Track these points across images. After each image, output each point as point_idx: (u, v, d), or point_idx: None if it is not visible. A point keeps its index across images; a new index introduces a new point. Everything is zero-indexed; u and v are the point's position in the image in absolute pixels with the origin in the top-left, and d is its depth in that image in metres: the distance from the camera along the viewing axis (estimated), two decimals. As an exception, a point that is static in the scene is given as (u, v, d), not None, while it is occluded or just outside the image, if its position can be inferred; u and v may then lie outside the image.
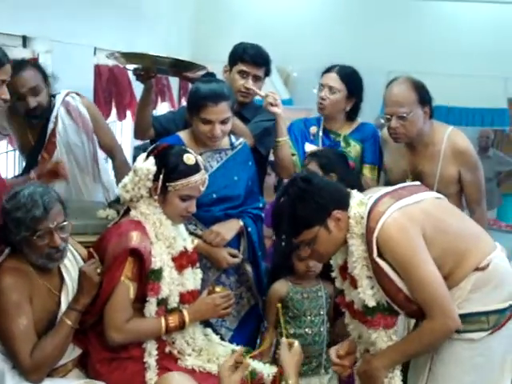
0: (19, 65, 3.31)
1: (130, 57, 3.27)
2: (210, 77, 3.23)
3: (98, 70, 5.09)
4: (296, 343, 2.44)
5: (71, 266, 2.60)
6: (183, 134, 3.13)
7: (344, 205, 2.41)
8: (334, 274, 2.58)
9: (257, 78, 3.42)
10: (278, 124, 3.37)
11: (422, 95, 3.13)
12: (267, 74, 3.50)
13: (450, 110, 7.60)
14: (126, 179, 2.64)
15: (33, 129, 3.48)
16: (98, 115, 3.70)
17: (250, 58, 3.39)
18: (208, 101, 2.93)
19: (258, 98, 3.56)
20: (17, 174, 4.07)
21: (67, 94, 3.54)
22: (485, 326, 2.35)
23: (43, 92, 3.36)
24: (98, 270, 2.48)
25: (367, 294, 2.37)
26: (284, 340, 2.49)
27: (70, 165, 3.53)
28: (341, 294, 2.57)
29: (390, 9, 8.98)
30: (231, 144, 3.15)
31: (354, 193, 2.47)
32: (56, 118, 3.46)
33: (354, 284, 2.41)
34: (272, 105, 3.34)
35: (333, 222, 2.38)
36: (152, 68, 3.21)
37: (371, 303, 2.37)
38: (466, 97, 8.47)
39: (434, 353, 2.41)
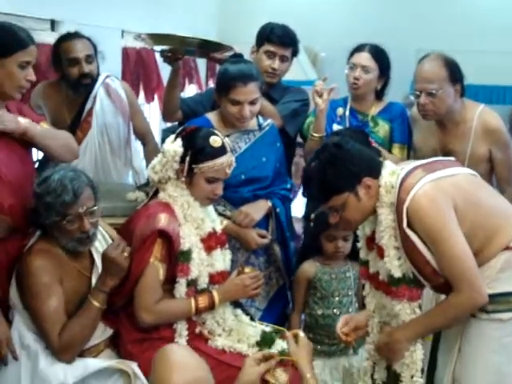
0: (74, 34, 3.45)
1: (157, 38, 3.28)
2: (238, 58, 3.22)
3: (125, 52, 5.11)
4: (301, 334, 2.40)
5: (101, 247, 2.63)
6: (211, 116, 3.13)
7: (375, 173, 2.39)
8: (359, 245, 2.58)
9: (284, 59, 3.41)
10: (318, 119, 3.31)
11: (454, 73, 3.10)
12: (294, 54, 3.48)
13: (479, 88, 7.49)
14: (155, 160, 2.67)
15: (70, 107, 3.54)
16: (135, 100, 3.79)
17: (277, 38, 3.38)
18: (237, 81, 2.94)
19: (285, 78, 3.54)
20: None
21: (107, 76, 3.62)
22: None
23: (94, 63, 3.49)
24: (125, 254, 2.49)
25: (394, 264, 2.36)
26: (288, 334, 2.46)
27: (102, 146, 3.59)
28: (363, 266, 2.56)
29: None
30: (259, 125, 3.16)
31: (387, 162, 2.46)
32: (95, 98, 3.54)
33: (380, 254, 2.41)
34: (318, 94, 3.27)
35: (363, 189, 2.37)
36: (179, 49, 3.21)
37: (397, 274, 2.36)
38: (496, 74, 8.34)
39: (463, 333, 2.40)
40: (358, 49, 3.43)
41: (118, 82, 3.68)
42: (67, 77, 3.47)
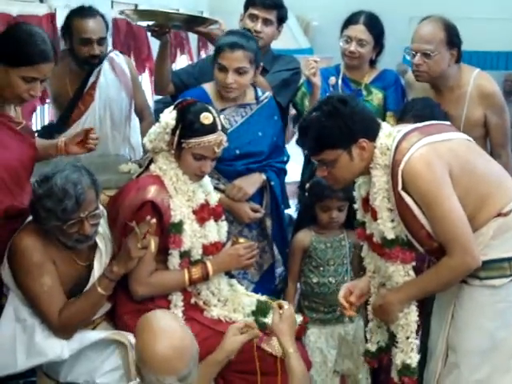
0: (90, 11, 3.40)
1: (141, 14, 3.28)
2: (243, 31, 3.18)
3: (115, 23, 5.05)
4: (285, 305, 2.40)
5: (102, 230, 2.60)
6: (208, 87, 3.11)
7: (372, 135, 2.38)
8: (356, 206, 2.57)
9: (267, 22, 3.34)
10: (314, 95, 3.27)
11: (451, 37, 3.09)
12: (281, 20, 3.41)
13: (473, 54, 7.46)
14: (152, 129, 2.65)
15: (73, 79, 3.52)
16: (137, 75, 3.80)
17: (260, 0, 3.33)
18: (225, 46, 2.93)
19: (277, 47, 3.51)
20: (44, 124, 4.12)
21: (111, 51, 3.62)
22: (507, 273, 2.34)
23: (105, 44, 3.48)
24: (139, 245, 2.43)
25: (387, 226, 2.36)
26: (274, 304, 2.45)
27: (103, 120, 3.58)
28: (360, 227, 2.56)
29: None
30: (257, 98, 3.13)
31: (384, 124, 2.45)
32: (99, 71, 3.51)
33: (374, 216, 2.41)
34: (313, 74, 3.24)
35: (357, 149, 2.36)
36: (165, 24, 3.18)
37: (390, 236, 2.36)
38: (489, 40, 8.31)
39: (456, 299, 2.41)
40: (353, 20, 3.36)
41: (121, 56, 3.67)
42: (75, 52, 3.44)
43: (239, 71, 2.95)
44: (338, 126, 2.33)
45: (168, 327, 1.85)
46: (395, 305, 2.41)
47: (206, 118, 2.56)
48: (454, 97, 3.17)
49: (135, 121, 3.79)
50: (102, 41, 3.42)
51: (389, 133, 2.39)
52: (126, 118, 3.68)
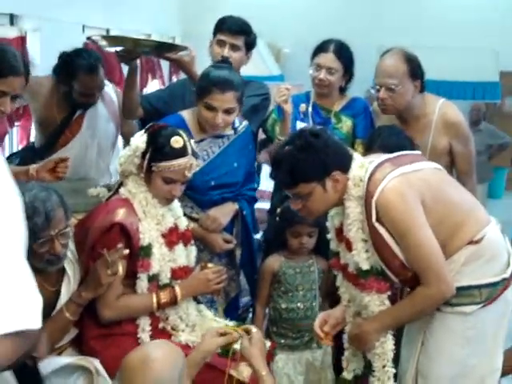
0: (95, 67, 3.42)
1: (110, 40, 3.25)
2: (225, 63, 3.17)
3: (86, 48, 5.04)
4: (253, 330, 2.39)
5: (71, 254, 2.57)
6: (187, 115, 3.09)
7: (345, 167, 2.40)
8: (329, 236, 2.58)
9: (234, 47, 3.34)
10: (285, 122, 3.28)
11: (414, 68, 3.12)
12: (249, 45, 3.42)
13: (440, 84, 7.56)
14: (123, 151, 2.65)
15: (61, 107, 3.51)
16: None
17: (227, 26, 3.34)
18: (215, 87, 2.89)
19: (249, 73, 3.52)
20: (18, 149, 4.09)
21: None
22: (477, 300, 2.36)
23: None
24: (109, 272, 2.42)
25: (361, 256, 2.38)
26: (239, 330, 2.43)
27: (90, 148, 3.60)
28: (335, 257, 2.57)
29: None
30: (234, 128, 3.12)
31: (356, 155, 2.47)
32: None
33: (348, 247, 2.42)
34: (285, 101, 3.25)
35: (331, 181, 2.37)
36: (133, 50, 3.19)
37: (365, 266, 2.38)
38: (457, 70, 8.44)
39: (427, 327, 2.43)
40: (323, 48, 3.39)
41: (110, 85, 3.69)
42: (73, 95, 3.45)
43: (228, 111, 2.94)
44: (311, 159, 2.35)
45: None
46: (371, 334, 2.42)
47: (176, 142, 2.56)
48: (420, 126, 3.21)
49: (118, 148, 3.79)
50: (101, 90, 3.47)
51: (361, 164, 2.41)
52: (111, 145, 3.71)
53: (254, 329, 2.39)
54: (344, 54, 3.41)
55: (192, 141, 2.67)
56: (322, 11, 8.84)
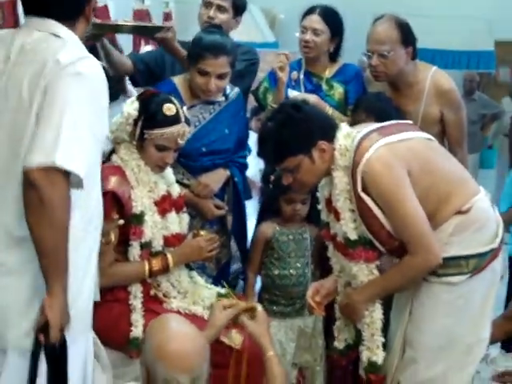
0: None
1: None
2: (215, 29, 3.13)
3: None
4: (259, 308, 2.37)
5: None
6: (178, 81, 3.08)
7: (330, 136, 2.40)
8: (319, 207, 2.59)
9: (221, 8, 3.30)
10: (279, 91, 3.28)
11: (405, 35, 3.11)
12: (237, 8, 3.37)
13: (435, 53, 7.54)
14: (114, 119, 2.62)
15: None
16: None
17: None
18: (208, 52, 2.89)
19: (244, 39, 3.49)
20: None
21: None
22: (464, 270, 2.37)
23: None
24: (103, 240, 2.31)
25: (349, 226, 2.39)
26: (242, 305, 2.38)
27: None
28: (325, 228, 2.58)
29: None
30: (225, 95, 3.11)
31: (343, 125, 2.47)
32: None
33: (337, 217, 2.43)
34: (281, 68, 3.25)
35: (317, 152, 2.38)
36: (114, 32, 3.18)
37: (353, 236, 2.39)
38: (451, 39, 8.39)
39: (414, 296, 2.45)
40: (309, 11, 3.40)
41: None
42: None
43: (221, 76, 2.94)
44: (294, 132, 2.35)
45: (183, 328, 1.86)
46: (360, 303, 2.44)
47: (168, 109, 2.56)
48: (412, 93, 3.21)
49: None
50: None
51: (347, 133, 2.41)
52: None
53: (259, 307, 2.38)
54: (330, 16, 3.40)
55: (184, 108, 2.67)
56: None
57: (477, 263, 2.38)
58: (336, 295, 2.61)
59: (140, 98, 2.61)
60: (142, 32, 3.34)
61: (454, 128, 3.24)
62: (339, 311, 2.57)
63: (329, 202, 2.50)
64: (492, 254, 2.41)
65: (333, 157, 2.39)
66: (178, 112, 2.58)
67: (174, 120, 2.57)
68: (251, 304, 2.42)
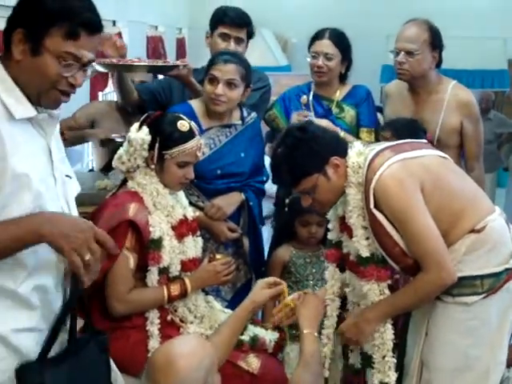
0: None
1: (106, 66, 3.16)
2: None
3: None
4: (308, 291, 2.48)
5: None
6: (195, 103, 3.13)
7: (342, 152, 2.41)
8: (330, 226, 2.58)
9: (239, 41, 3.35)
10: None
11: (435, 38, 3.19)
12: (250, 36, 3.43)
13: (449, 72, 7.53)
14: (120, 150, 2.62)
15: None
16: None
17: (230, 19, 3.33)
18: (218, 58, 2.98)
19: (256, 64, 3.51)
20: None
21: None
22: (479, 290, 2.35)
23: None
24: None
25: (362, 243, 2.38)
26: (299, 293, 2.51)
27: None
28: (331, 248, 2.57)
29: (388, -29, 8.88)
30: (242, 119, 3.14)
31: (355, 143, 2.48)
32: None
33: (349, 234, 2.42)
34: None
35: (331, 168, 2.38)
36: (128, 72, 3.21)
37: (365, 253, 2.38)
38: (465, 59, 8.41)
39: (430, 317, 2.42)
40: (318, 36, 3.42)
41: None
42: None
43: (230, 84, 2.97)
44: (306, 153, 2.36)
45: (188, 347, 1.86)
46: (371, 323, 2.41)
47: (183, 126, 2.60)
48: (432, 101, 3.24)
49: None
50: None
51: (359, 151, 2.42)
52: None
53: (309, 291, 2.48)
54: (340, 39, 3.42)
55: (192, 122, 2.69)
56: (330, 1, 8.81)
57: (492, 283, 2.35)
58: (324, 316, 2.56)
59: (146, 122, 2.62)
60: (158, 71, 3.36)
61: (471, 141, 3.26)
62: (343, 332, 2.50)
63: (342, 220, 2.49)
64: (508, 274, 2.38)
65: (346, 174, 2.39)
66: (191, 126, 2.63)
67: (190, 135, 2.61)
68: (302, 291, 2.52)
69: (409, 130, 3.09)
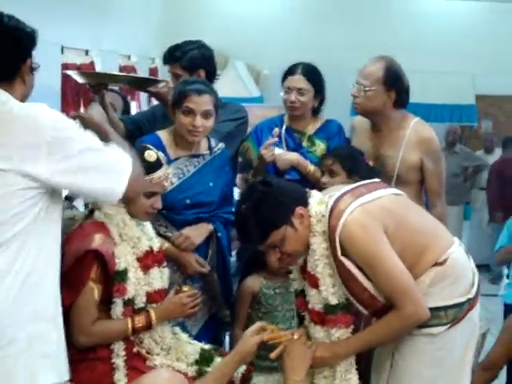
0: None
1: (86, 75, 3.24)
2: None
3: (66, 68, 5.03)
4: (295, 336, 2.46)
5: None
6: (163, 134, 3.12)
7: (304, 201, 2.43)
8: (292, 276, 2.60)
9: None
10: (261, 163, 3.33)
11: (390, 78, 3.19)
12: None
13: (418, 106, 7.65)
14: None
15: None
16: None
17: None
18: (192, 91, 2.97)
19: (228, 95, 3.53)
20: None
21: None
22: (443, 321, 2.39)
23: None
24: None
25: (329, 291, 2.39)
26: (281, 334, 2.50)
27: None
28: (299, 296, 2.57)
29: (358, 7, 9.06)
30: (210, 148, 3.15)
31: (314, 192, 2.51)
32: None
33: (313, 283, 2.43)
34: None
35: (297, 219, 2.40)
36: (109, 84, 3.19)
37: (334, 301, 2.39)
38: (434, 93, 8.55)
39: (395, 349, 2.44)
40: (291, 71, 3.43)
41: None
42: None
43: (206, 114, 2.98)
44: (272, 206, 2.37)
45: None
46: (341, 357, 2.42)
47: (150, 156, 2.62)
48: (393, 137, 3.27)
49: None
50: None
51: (320, 200, 2.45)
52: None
53: (295, 335, 2.47)
54: (312, 74, 3.44)
55: (160, 153, 2.71)
56: (302, 34, 8.91)
57: (455, 313, 2.39)
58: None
59: None
60: (138, 84, 3.36)
61: (432, 178, 3.29)
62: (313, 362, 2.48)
63: (303, 269, 2.50)
64: (469, 304, 2.43)
65: (310, 223, 2.41)
66: (158, 156, 2.65)
67: (157, 165, 2.62)
68: (284, 334, 2.50)
69: (349, 155, 3.21)
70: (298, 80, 3.40)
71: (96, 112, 3.23)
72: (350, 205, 2.35)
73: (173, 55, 3.38)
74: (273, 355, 2.46)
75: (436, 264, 2.39)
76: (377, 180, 2.67)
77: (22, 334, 2.05)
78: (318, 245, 2.39)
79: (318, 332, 2.48)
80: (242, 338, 2.45)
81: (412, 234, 2.42)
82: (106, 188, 2.12)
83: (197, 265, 3.03)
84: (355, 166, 3.15)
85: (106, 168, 2.12)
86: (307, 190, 2.52)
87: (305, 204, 2.43)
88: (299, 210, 2.40)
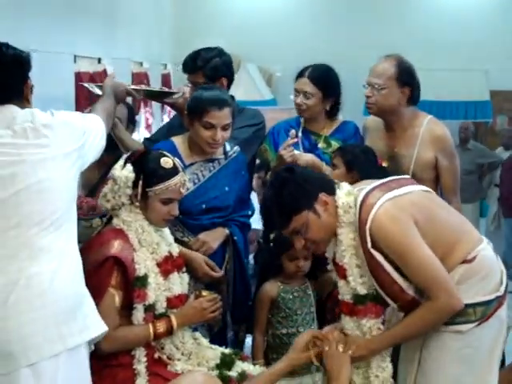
0: None
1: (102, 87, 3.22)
2: (211, 85, 3.20)
3: (79, 77, 5.07)
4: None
5: None
6: (177, 140, 3.13)
7: (329, 190, 2.44)
8: (329, 267, 2.61)
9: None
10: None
11: (403, 75, 3.18)
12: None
13: (433, 104, 7.63)
14: (105, 189, 2.63)
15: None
16: None
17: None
18: (212, 105, 2.95)
19: (241, 98, 3.53)
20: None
21: None
22: (472, 318, 2.38)
23: None
24: None
25: (357, 281, 2.40)
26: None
27: None
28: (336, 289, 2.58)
29: (371, 7, 9.04)
30: (225, 153, 3.15)
31: (343, 184, 2.51)
32: None
33: (341, 274, 2.44)
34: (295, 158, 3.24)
35: (320, 205, 2.41)
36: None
37: (362, 291, 2.40)
38: (448, 90, 8.51)
39: (423, 346, 2.44)
40: (300, 74, 3.43)
41: None
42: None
43: (225, 127, 2.99)
44: (294, 190, 2.40)
45: None
46: (375, 353, 2.44)
47: (166, 163, 2.61)
48: (407, 136, 3.26)
49: None
50: None
51: (348, 191, 2.45)
52: None
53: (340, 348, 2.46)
54: (320, 77, 3.40)
55: (176, 159, 2.70)
56: (314, 35, 8.91)
57: (483, 311, 2.39)
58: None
59: (130, 160, 2.63)
60: (155, 96, 3.37)
61: (447, 175, 3.28)
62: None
63: (334, 261, 2.51)
64: (498, 302, 2.42)
65: (336, 213, 2.41)
66: (174, 163, 2.64)
67: (174, 171, 2.62)
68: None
69: (351, 151, 3.19)
70: (304, 83, 3.39)
71: None
72: (380, 199, 2.36)
73: (195, 64, 3.35)
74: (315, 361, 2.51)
75: (465, 261, 2.39)
76: (407, 176, 2.68)
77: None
78: (345, 235, 2.40)
79: (347, 323, 2.48)
80: (294, 347, 2.48)
81: (442, 229, 2.42)
82: None
83: (206, 267, 3.00)
84: (354, 161, 3.14)
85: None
86: (336, 180, 2.53)
87: (330, 192, 2.44)
88: (323, 196, 2.40)
